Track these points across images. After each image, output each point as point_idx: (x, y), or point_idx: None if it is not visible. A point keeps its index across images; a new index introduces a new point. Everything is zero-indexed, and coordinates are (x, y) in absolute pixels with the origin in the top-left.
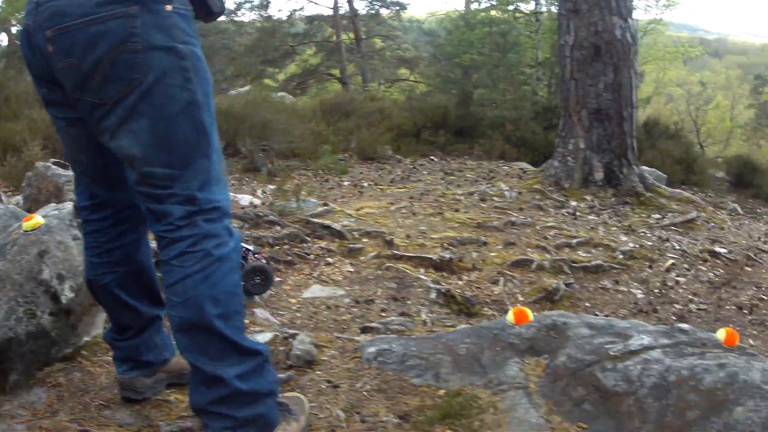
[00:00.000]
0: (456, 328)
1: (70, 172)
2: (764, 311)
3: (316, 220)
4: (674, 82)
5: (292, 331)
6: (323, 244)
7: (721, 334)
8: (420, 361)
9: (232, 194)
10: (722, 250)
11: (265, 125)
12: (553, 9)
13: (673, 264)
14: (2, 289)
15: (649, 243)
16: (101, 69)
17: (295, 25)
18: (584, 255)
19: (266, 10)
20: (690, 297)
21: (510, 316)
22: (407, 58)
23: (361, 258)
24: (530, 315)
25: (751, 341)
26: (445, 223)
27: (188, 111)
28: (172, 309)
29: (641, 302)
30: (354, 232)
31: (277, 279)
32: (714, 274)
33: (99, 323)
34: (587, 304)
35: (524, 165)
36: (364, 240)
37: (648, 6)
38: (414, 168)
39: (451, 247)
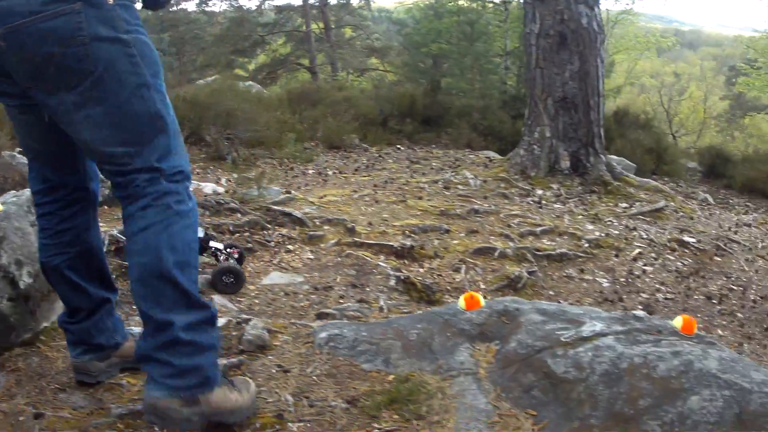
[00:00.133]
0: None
1: None
2: (734, 301)
3: (277, 207)
4: (648, 74)
5: (245, 317)
6: (284, 231)
7: (677, 321)
8: (370, 346)
9: (196, 183)
10: (691, 240)
11: (229, 114)
12: None
13: (640, 253)
14: None
15: (616, 232)
16: (53, 62)
17: (264, 15)
18: (549, 243)
19: (237, 0)
20: (657, 286)
21: (461, 302)
22: (377, 48)
23: (322, 245)
24: (482, 301)
25: (720, 332)
26: (407, 211)
27: (139, 93)
28: (133, 257)
29: (607, 291)
30: (315, 220)
31: None
32: (682, 263)
33: (58, 309)
34: (551, 293)
35: (491, 154)
36: (325, 227)
37: None
38: (380, 156)
39: (412, 235)
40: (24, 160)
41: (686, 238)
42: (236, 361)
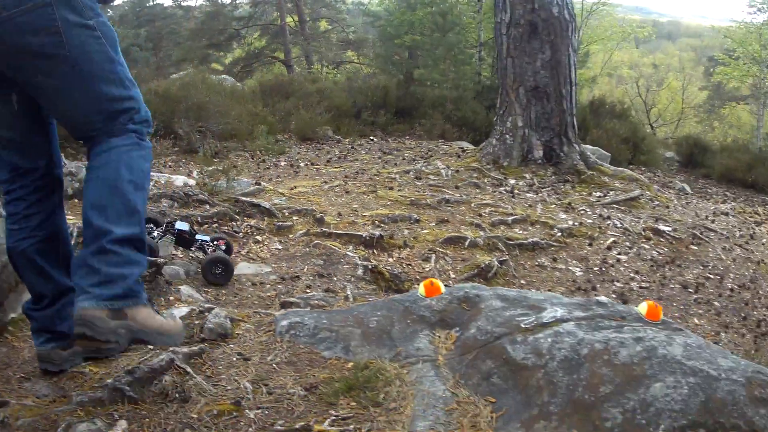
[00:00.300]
0: None
1: None
2: (711, 290)
3: (245, 198)
4: (626, 65)
5: (208, 306)
6: (252, 222)
7: (642, 308)
8: (331, 333)
9: (167, 175)
10: (666, 228)
11: (201, 107)
12: None
13: (614, 242)
14: None
15: (590, 221)
16: (31, 51)
17: (240, 8)
18: (521, 232)
19: None
20: (632, 275)
21: (421, 289)
22: (353, 41)
23: (290, 236)
24: (442, 287)
25: (696, 320)
26: (378, 201)
27: (108, 67)
28: (92, 171)
29: (580, 280)
30: (284, 211)
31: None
32: (657, 252)
33: (25, 300)
34: (523, 282)
35: (464, 144)
36: (294, 218)
37: None
38: (353, 148)
39: (382, 225)
40: None
41: (662, 227)
42: (197, 349)
